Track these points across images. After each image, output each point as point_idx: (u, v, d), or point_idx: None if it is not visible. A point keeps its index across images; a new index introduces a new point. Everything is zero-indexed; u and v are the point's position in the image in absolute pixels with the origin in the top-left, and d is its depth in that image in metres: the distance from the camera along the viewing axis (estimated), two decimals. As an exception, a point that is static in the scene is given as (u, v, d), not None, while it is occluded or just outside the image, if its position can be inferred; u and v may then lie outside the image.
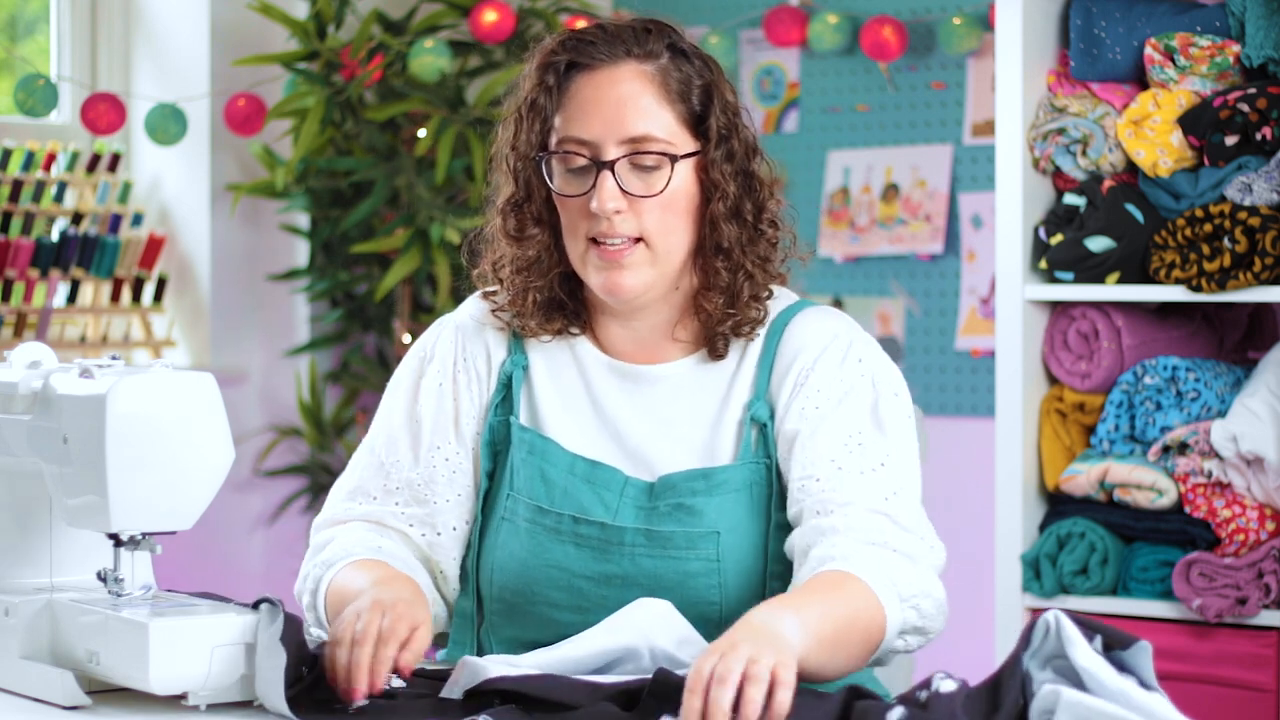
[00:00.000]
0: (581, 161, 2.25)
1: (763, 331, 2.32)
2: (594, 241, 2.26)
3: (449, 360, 2.36)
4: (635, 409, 2.31)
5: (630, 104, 2.25)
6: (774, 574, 2.25)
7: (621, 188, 2.24)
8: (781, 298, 2.37)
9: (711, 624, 2.19)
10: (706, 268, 2.29)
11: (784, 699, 1.85)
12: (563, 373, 2.34)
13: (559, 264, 2.32)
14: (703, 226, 2.28)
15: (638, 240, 2.25)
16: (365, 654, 2.00)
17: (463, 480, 2.34)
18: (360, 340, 5.07)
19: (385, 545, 2.30)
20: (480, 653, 2.31)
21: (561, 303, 2.34)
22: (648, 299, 2.29)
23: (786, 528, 2.25)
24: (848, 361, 2.29)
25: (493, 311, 2.37)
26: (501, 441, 2.33)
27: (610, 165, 2.23)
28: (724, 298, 2.29)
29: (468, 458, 2.34)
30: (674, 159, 2.25)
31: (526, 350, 2.35)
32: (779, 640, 1.92)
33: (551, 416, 2.32)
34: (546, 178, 2.28)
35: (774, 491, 2.26)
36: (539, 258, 2.32)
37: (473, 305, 2.41)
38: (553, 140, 2.27)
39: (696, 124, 2.28)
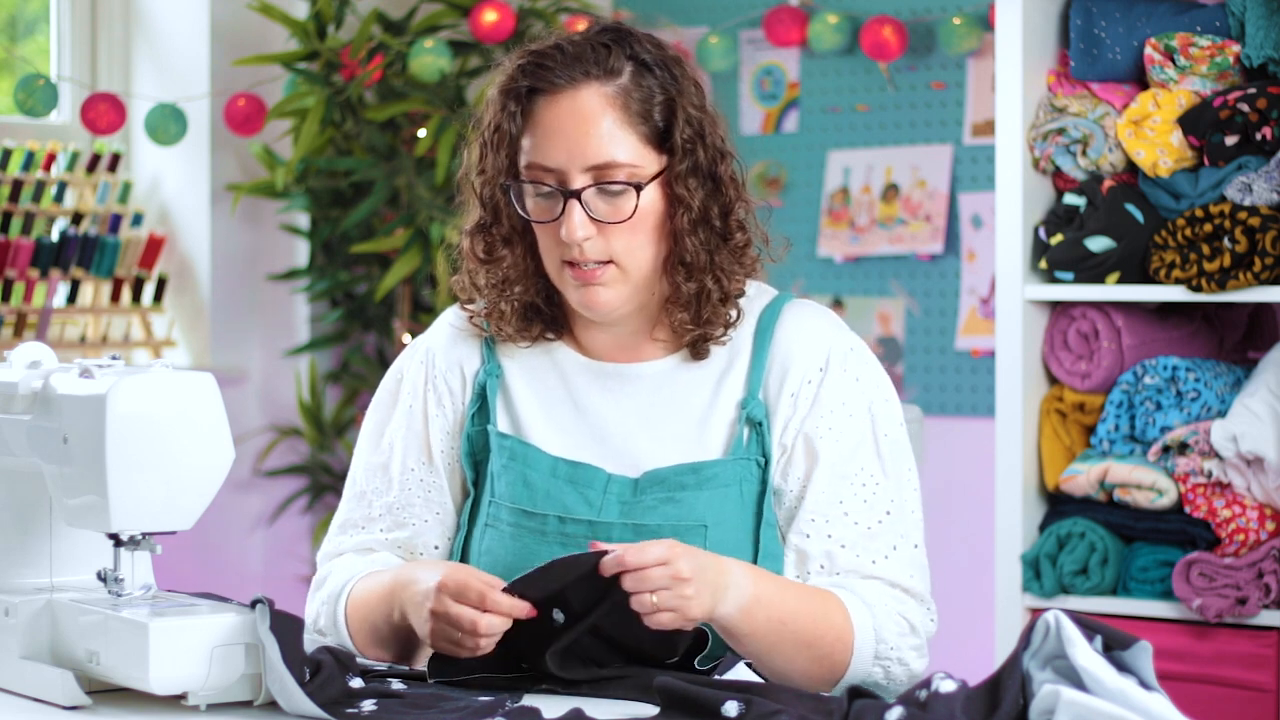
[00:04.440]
0: (545, 188, 2.26)
1: (750, 328, 2.34)
2: (568, 263, 2.27)
3: (419, 383, 2.40)
4: (619, 408, 2.32)
5: (593, 130, 2.24)
6: None
7: (590, 215, 2.25)
8: (759, 294, 2.38)
9: None
10: (672, 279, 2.31)
11: (663, 621, 2.08)
12: (541, 377, 2.36)
13: (533, 276, 2.34)
14: (669, 238, 2.30)
15: (608, 261, 2.27)
16: (468, 613, 2.09)
17: (439, 498, 2.37)
18: (360, 340, 5.07)
19: (378, 557, 2.38)
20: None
21: (539, 309, 2.36)
22: (625, 311, 2.31)
23: (777, 526, 2.29)
24: (845, 380, 2.32)
25: (470, 320, 2.39)
26: (481, 450, 2.36)
27: (577, 194, 2.24)
28: (687, 313, 2.30)
29: (442, 477, 2.37)
30: (639, 187, 2.25)
31: (501, 359, 2.38)
32: (714, 593, 2.12)
33: (531, 422, 2.34)
34: (517, 203, 2.29)
35: (766, 490, 2.28)
36: (510, 274, 2.34)
37: (449, 316, 2.44)
38: (521, 163, 2.28)
39: (661, 140, 2.28)
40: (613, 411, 2.32)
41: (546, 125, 2.26)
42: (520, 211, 2.29)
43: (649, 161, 2.27)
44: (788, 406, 2.30)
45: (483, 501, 2.34)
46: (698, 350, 2.32)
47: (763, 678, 2.22)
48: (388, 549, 2.38)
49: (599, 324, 2.34)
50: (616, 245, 2.26)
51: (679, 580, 2.08)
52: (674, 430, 2.31)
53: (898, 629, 2.25)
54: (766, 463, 2.29)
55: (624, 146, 2.25)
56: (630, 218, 2.25)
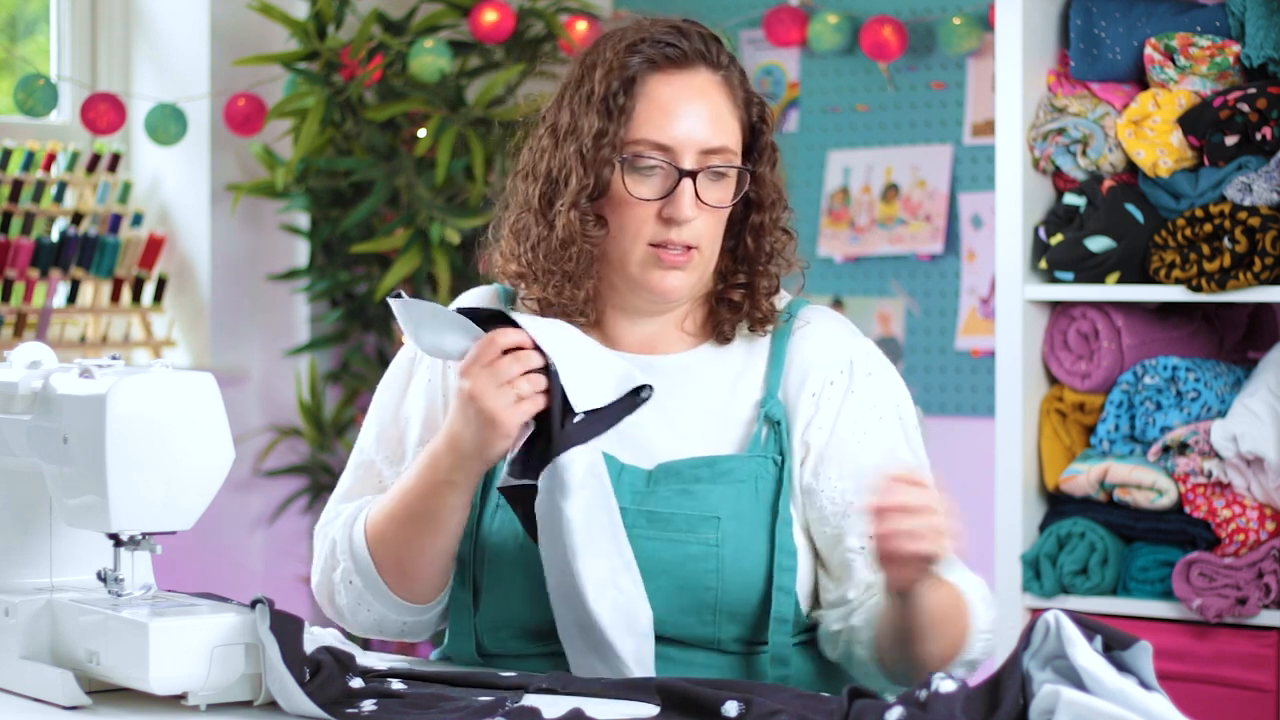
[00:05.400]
0: (652, 164, 2.26)
1: (769, 328, 2.35)
2: (654, 245, 2.27)
3: (436, 360, 2.36)
4: None
5: (710, 113, 2.27)
6: (781, 566, 2.26)
7: (699, 197, 2.26)
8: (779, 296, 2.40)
9: (707, 609, 2.22)
10: (751, 271, 2.33)
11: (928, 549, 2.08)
12: None
13: (600, 261, 2.32)
14: (745, 234, 2.32)
15: (693, 247, 2.28)
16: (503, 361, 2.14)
17: None
18: (360, 340, 5.07)
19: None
20: (478, 643, 2.32)
21: (587, 297, 2.34)
22: (688, 299, 2.33)
23: (793, 523, 2.29)
24: (870, 385, 2.34)
25: (522, 300, 2.35)
26: None
27: (693, 175, 2.25)
28: (767, 301, 2.33)
29: None
30: (750, 173, 2.29)
31: None
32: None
33: None
34: (620, 178, 2.27)
35: (783, 488, 2.28)
36: (593, 254, 2.30)
37: (465, 299, 2.41)
38: (621, 136, 2.27)
39: (751, 136, 2.32)
40: None
41: (661, 102, 2.27)
42: (624, 189, 2.27)
43: (739, 154, 2.30)
44: (809, 405, 2.31)
45: (494, 483, 2.33)
46: (724, 332, 2.34)
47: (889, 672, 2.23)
48: None
49: (633, 314, 2.33)
50: (705, 231, 2.28)
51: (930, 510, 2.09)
52: (689, 423, 2.31)
53: (985, 609, 2.26)
54: (784, 460, 2.29)
55: (731, 134, 2.29)
56: (729, 206, 2.28)
